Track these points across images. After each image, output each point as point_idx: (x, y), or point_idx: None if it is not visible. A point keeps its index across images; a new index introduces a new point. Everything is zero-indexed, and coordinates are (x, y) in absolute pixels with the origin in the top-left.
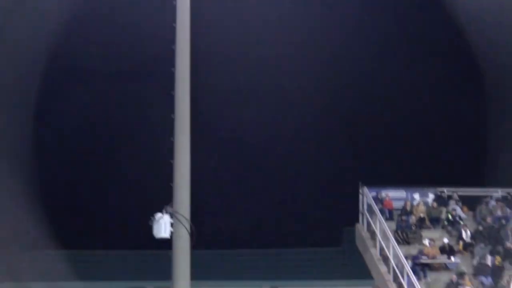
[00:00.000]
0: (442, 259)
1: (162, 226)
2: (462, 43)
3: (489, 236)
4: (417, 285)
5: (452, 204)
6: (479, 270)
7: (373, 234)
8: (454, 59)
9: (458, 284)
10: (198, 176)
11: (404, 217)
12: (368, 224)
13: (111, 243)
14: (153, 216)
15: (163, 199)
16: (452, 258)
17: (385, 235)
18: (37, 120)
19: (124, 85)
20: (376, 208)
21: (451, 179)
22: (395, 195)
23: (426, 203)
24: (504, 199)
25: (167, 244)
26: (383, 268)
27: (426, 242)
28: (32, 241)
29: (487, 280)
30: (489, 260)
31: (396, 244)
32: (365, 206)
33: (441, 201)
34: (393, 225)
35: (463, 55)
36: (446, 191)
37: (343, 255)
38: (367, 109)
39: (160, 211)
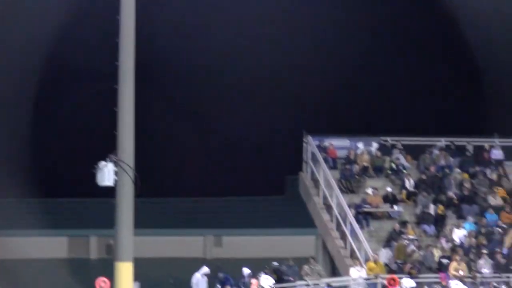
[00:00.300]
0: (385, 207)
1: (106, 174)
2: None
3: (432, 185)
4: (360, 234)
5: (396, 153)
6: (422, 218)
7: (316, 183)
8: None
9: (401, 232)
10: (142, 124)
11: (347, 166)
12: (312, 173)
13: (54, 191)
14: (96, 164)
15: (107, 147)
16: (395, 207)
17: (328, 184)
18: None
19: (67, 33)
20: (319, 157)
21: (395, 128)
22: (338, 144)
23: (369, 152)
24: (447, 148)
25: (110, 192)
26: (326, 216)
27: (369, 191)
28: None
29: (430, 229)
30: (432, 209)
31: (339, 192)
32: (309, 155)
33: (385, 150)
34: (337, 174)
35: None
36: (389, 140)
37: (286, 204)
38: (312, 58)
39: (104, 159)
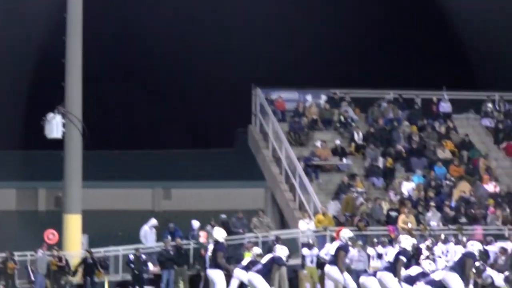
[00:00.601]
0: (334, 160)
1: (54, 126)
2: None
3: (381, 138)
4: (308, 186)
5: (344, 106)
6: (371, 171)
7: (265, 136)
8: None
9: (349, 185)
10: (90, 76)
11: (296, 119)
12: (261, 126)
13: (2, 143)
14: (45, 116)
15: (55, 99)
16: (344, 160)
17: (277, 137)
18: None
19: None
20: (268, 109)
21: (343, 80)
22: (287, 97)
23: (318, 105)
24: (395, 101)
25: (59, 144)
26: (275, 169)
27: (318, 143)
28: None
29: (378, 182)
30: (380, 162)
31: (288, 145)
32: (258, 108)
33: (333, 102)
34: (286, 126)
35: None
36: (338, 92)
37: (235, 157)
38: (260, 11)
39: (52, 111)
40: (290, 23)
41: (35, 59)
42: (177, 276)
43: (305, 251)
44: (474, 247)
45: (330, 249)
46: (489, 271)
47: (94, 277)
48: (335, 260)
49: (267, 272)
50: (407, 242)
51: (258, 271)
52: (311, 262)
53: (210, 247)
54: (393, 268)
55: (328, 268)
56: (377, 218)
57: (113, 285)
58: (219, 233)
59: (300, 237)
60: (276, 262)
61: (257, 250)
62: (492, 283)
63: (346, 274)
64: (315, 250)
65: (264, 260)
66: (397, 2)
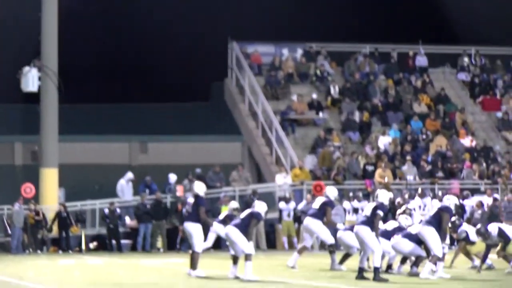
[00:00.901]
0: (310, 114)
1: (30, 80)
2: None
3: (357, 92)
4: (285, 141)
5: (321, 60)
6: (347, 125)
7: (241, 90)
8: None
9: (326, 139)
10: (66, 29)
11: (272, 73)
12: (237, 80)
13: None
14: (20, 69)
15: (31, 53)
16: (320, 114)
17: (253, 91)
18: None
19: None
20: (244, 63)
21: (320, 34)
22: (263, 50)
23: (294, 59)
24: (371, 55)
25: (35, 98)
26: (251, 123)
27: (295, 97)
28: None
29: (355, 136)
30: (356, 116)
31: (264, 99)
32: (234, 61)
33: (310, 56)
34: (262, 80)
35: None
36: (314, 46)
37: (212, 111)
38: None
39: (28, 64)
40: None
41: (10, 13)
42: (155, 230)
43: (282, 205)
44: (450, 201)
45: (314, 203)
46: (465, 226)
47: (69, 230)
48: (318, 214)
49: (245, 227)
50: (384, 196)
51: (236, 225)
52: (288, 216)
53: (190, 200)
54: (370, 222)
55: (308, 221)
56: (354, 172)
57: (89, 239)
58: (200, 187)
59: (277, 191)
60: (254, 217)
61: (233, 204)
62: (467, 238)
63: (325, 228)
64: (292, 204)
65: (243, 215)
66: None
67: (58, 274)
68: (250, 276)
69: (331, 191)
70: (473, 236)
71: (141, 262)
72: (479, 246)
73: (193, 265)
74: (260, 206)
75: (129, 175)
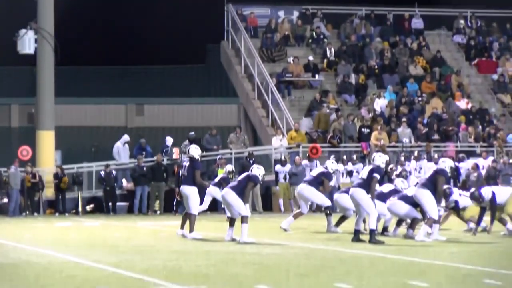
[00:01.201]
0: (306, 77)
1: (26, 42)
2: None
3: (353, 54)
4: (281, 103)
5: (317, 22)
6: (343, 88)
7: (237, 52)
8: None
9: (322, 102)
10: None
11: (268, 35)
12: (233, 42)
13: None
14: (17, 32)
15: (28, 15)
16: (316, 76)
17: (249, 53)
18: None
19: None
20: (240, 26)
21: None
22: (260, 12)
23: (290, 21)
24: (367, 17)
25: (31, 60)
26: (248, 86)
27: (291, 60)
28: None
29: (351, 98)
30: (352, 78)
31: (260, 61)
32: (230, 24)
33: (305, 18)
34: (258, 42)
35: None
36: (310, 8)
37: (208, 73)
38: None
39: (25, 27)
40: None
41: None
42: (153, 191)
43: (278, 167)
44: (446, 164)
45: (312, 172)
46: (455, 195)
47: (66, 192)
48: (314, 182)
49: (241, 189)
50: (380, 159)
51: (232, 188)
52: (284, 178)
53: (186, 164)
54: (366, 184)
55: (302, 187)
56: (350, 135)
57: (86, 201)
58: (195, 151)
59: (273, 153)
60: (251, 180)
61: (229, 167)
62: (456, 207)
63: (319, 193)
64: (288, 167)
65: (240, 177)
66: None
67: (55, 236)
68: (246, 238)
69: (331, 164)
70: (464, 202)
71: (138, 225)
72: (473, 210)
73: (190, 227)
74: (257, 170)
75: (125, 137)
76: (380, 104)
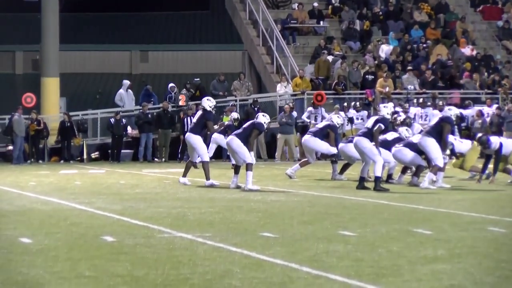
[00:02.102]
0: (311, 23)
1: None
2: None
3: (358, 0)
4: (286, 49)
5: None
6: (348, 34)
7: None
8: None
9: (326, 48)
10: None
11: None
12: None
13: None
14: None
15: None
16: (321, 23)
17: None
18: None
19: None
20: None
21: None
22: None
23: None
24: None
25: (36, 7)
26: (252, 32)
27: (295, 5)
28: None
29: (355, 45)
30: (357, 24)
31: (265, 7)
32: None
33: None
34: None
35: None
36: None
37: (212, 19)
38: None
39: None
40: None
41: None
42: (161, 139)
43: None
44: (452, 111)
45: (318, 124)
46: (451, 139)
47: (72, 141)
48: (319, 133)
49: (246, 137)
50: (385, 110)
51: (237, 135)
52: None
53: (198, 113)
54: (370, 134)
55: (307, 138)
56: (354, 82)
57: (92, 148)
58: (207, 102)
59: (278, 100)
60: (256, 127)
61: (235, 114)
62: (452, 152)
63: (324, 143)
64: (294, 113)
65: (245, 124)
66: None
67: (59, 183)
68: (251, 186)
69: (337, 119)
70: (459, 147)
71: (143, 172)
72: (472, 160)
73: (206, 175)
74: (263, 118)
75: (125, 82)
76: (385, 50)
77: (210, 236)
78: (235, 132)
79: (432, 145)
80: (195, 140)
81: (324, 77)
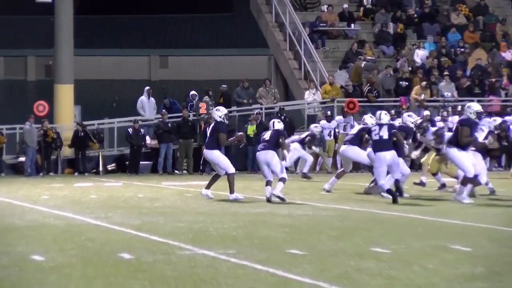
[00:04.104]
0: (341, 26)
1: None
2: None
3: (391, 1)
4: (314, 54)
5: None
6: (380, 38)
7: None
8: None
9: (358, 53)
10: None
11: None
12: None
13: None
14: None
15: None
16: (352, 25)
17: (281, 0)
18: None
19: None
20: None
21: None
22: None
23: None
24: None
25: (49, 9)
26: (278, 35)
27: (325, 7)
28: None
29: (389, 49)
30: (391, 27)
31: (292, 9)
32: None
33: None
34: None
35: None
36: None
37: (236, 22)
38: None
39: None
40: None
41: None
42: (182, 149)
43: (323, 123)
44: (472, 108)
45: (352, 130)
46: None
47: (88, 149)
48: (355, 140)
49: (274, 146)
50: (410, 119)
51: (266, 148)
52: (329, 135)
53: (211, 125)
54: (357, 140)
55: (344, 148)
56: (388, 88)
57: (108, 160)
58: (216, 113)
59: (306, 108)
60: (281, 134)
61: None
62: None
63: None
64: (334, 122)
65: (267, 135)
66: None
67: (74, 197)
68: (278, 193)
69: (370, 119)
70: None
71: (162, 185)
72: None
73: (230, 189)
74: (278, 124)
75: (147, 89)
76: (420, 55)
77: (233, 253)
78: (262, 145)
79: (457, 156)
80: (213, 155)
81: (359, 84)
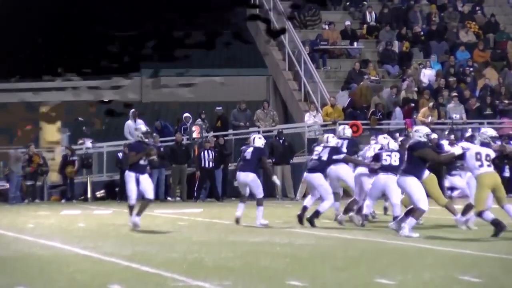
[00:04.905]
0: (344, 44)
1: None
2: None
3: (397, 18)
4: (315, 74)
5: None
6: (385, 57)
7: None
8: None
9: (361, 73)
10: None
11: None
12: (261, 5)
13: None
14: None
15: None
16: (355, 44)
17: (279, 17)
18: None
19: None
20: None
21: None
22: None
23: None
24: None
25: None
26: (277, 54)
27: (326, 25)
28: None
29: (394, 69)
30: (396, 45)
31: (292, 27)
32: None
33: None
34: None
35: None
36: None
37: (232, 40)
38: None
39: None
40: None
41: None
42: (175, 175)
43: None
44: (487, 133)
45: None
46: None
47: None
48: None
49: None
50: (417, 134)
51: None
52: None
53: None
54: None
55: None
56: (392, 110)
57: (97, 186)
58: (259, 141)
59: (306, 131)
60: (262, 153)
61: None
62: None
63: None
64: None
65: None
66: None
67: (61, 225)
68: (262, 221)
69: (383, 140)
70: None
71: (154, 212)
72: None
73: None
74: (259, 141)
75: (132, 111)
76: (427, 75)
77: (230, 284)
78: (243, 164)
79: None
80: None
81: (363, 105)
